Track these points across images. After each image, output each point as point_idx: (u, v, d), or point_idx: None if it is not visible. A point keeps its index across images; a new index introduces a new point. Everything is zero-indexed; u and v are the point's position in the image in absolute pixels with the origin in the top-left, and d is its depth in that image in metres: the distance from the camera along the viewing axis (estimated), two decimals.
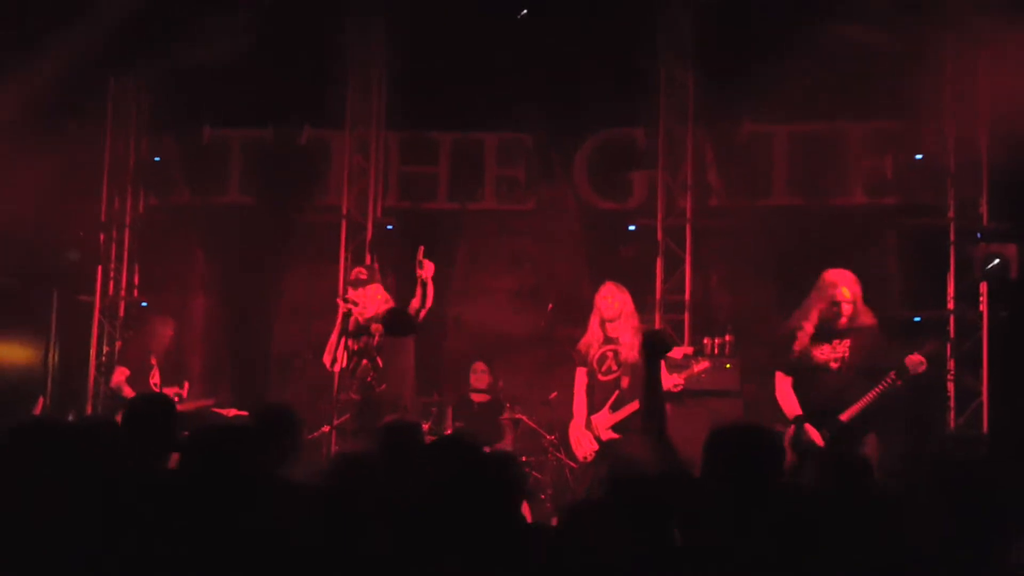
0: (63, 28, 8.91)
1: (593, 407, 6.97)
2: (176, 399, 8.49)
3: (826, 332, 6.26)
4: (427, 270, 6.82)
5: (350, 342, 7.11)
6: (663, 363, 7.01)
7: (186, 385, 8.61)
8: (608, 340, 7.03)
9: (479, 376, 9.01)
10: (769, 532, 2.94)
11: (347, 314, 7.06)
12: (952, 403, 8.66)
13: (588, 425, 6.97)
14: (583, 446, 6.99)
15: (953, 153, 8.89)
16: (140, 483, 3.17)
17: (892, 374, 6.12)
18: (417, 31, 9.48)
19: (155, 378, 8.35)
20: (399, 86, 10.01)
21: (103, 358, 10.16)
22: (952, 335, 8.75)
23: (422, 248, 6.87)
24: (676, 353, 7.42)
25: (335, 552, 2.93)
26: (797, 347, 6.25)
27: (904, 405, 6.39)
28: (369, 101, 10.14)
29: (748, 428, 3.31)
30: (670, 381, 6.89)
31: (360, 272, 7.43)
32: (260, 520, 3.01)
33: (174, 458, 3.63)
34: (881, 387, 6.12)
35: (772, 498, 3.11)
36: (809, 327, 6.24)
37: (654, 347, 4.14)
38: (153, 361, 8.41)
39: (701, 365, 7.18)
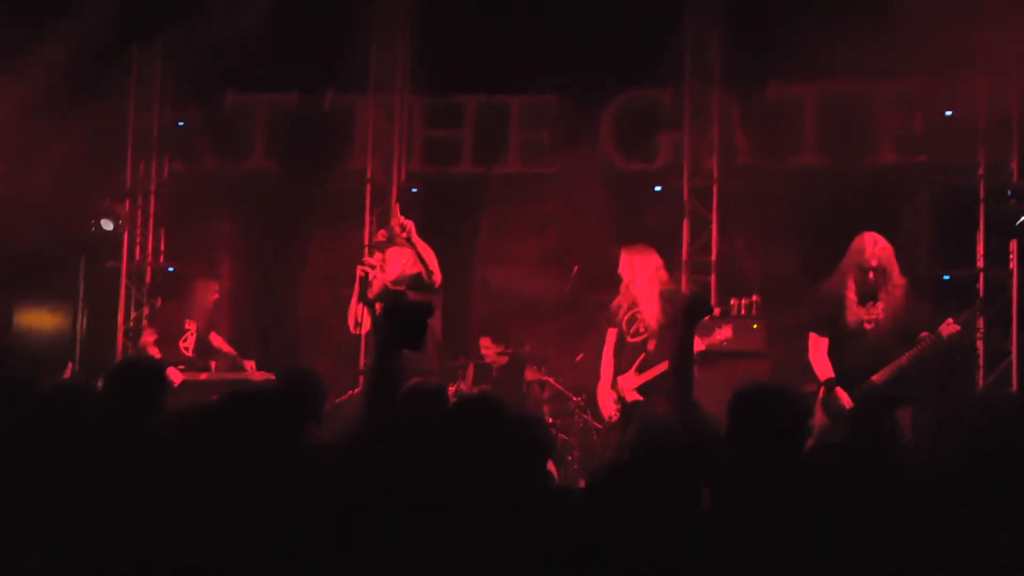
0: None
1: (620, 368, 6.95)
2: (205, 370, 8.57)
3: (861, 296, 6.22)
4: (405, 225, 6.81)
5: (377, 305, 7.09)
6: None
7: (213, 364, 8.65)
8: (635, 303, 7.00)
9: (487, 348, 9.03)
10: (794, 495, 2.91)
11: (364, 278, 7.04)
12: (982, 362, 8.60)
13: (614, 385, 6.96)
14: (608, 406, 6.99)
15: (984, 110, 8.77)
16: (161, 447, 3.17)
17: (926, 336, 6.10)
18: None
19: (188, 342, 8.30)
20: (423, 49, 9.95)
21: (131, 324, 10.23)
22: (981, 294, 8.67)
23: (397, 206, 6.84)
24: None
25: (358, 517, 2.93)
26: (849, 317, 6.21)
27: (936, 366, 6.34)
28: (393, 65, 10.09)
29: (772, 388, 3.26)
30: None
31: (381, 234, 7.42)
32: (283, 484, 3.01)
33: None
34: (915, 350, 6.11)
35: (797, 461, 3.07)
36: (851, 294, 6.22)
37: (693, 310, 4.09)
38: (188, 325, 8.32)
39: (724, 332, 7.14)
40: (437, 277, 7.05)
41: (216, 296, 8.59)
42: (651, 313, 6.90)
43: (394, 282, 7.12)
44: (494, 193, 9.98)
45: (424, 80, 10.03)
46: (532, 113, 10.03)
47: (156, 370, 3.99)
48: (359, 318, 7.05)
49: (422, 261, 6.98)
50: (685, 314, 4.08)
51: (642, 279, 6.97)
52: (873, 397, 6.07)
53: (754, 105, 9.45)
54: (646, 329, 6.93)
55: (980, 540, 2.77)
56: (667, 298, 7.00)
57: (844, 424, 6.01)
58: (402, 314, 3.54)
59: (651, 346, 6.90)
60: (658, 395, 6.43)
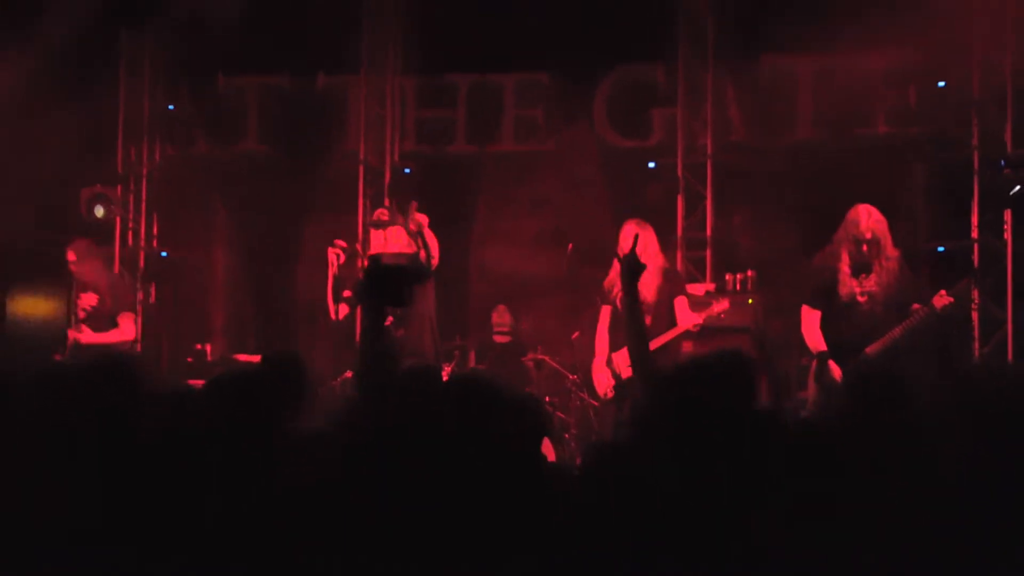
0: None
1: (615, 345, 6.94)
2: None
3: (855, 268, 6.22)
4: (420, 221, 6.76)
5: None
6: (685, 300, 7.04)
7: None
8: None
9: (501, 317, 9.04)
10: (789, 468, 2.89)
11: (340, 259, 6.99)
12: (977, 333, 8.61)
13: (609, 362, 6.96)
14: (603, 383, 6.99)
15: (978, 81, 8.74)
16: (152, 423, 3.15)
17: (919, 308, 6.10)
18: None
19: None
20: (414, 29, 9.91)
21: None
22: (976, 265, 8.66)
23: (414, 203, 6.81)
24: (697, 289, 7.38)
25: (348, 498, 2.91)
26: (842, 289, 6.21)
27: (930, 337, 6.35)
28: (385, 45, 10.05)
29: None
30: (690, 319, 6.87)
31: (382, 213, 7.39)
32: (269, 465, 3.00)
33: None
34: (908, 322, 6.11)
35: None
36: (845, 267, 6.21)
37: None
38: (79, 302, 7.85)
39: (721, 305, 7.14)
40: (435, 262, 7.04)
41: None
42: (648, 288, 6.89)
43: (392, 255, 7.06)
44: (488, 173, 9.96)
45: (416, 60, 9.99)
46: (525, 91, 10.00)
47: (130, 360, 3.96)
48: (337, 302, 7.00)
49: (426, 249, 6.94)
50: (622, 277, 4.05)
51: (646, 254, 6.96)
52: (868, 369, 6.06)
53: (748, 80, 9.42)
54: (642, 304, 6.91)
55: (982, 512, 2.77)
56: (665, 275, 7.00)
57: (838, 397, 6.01)
58: (380, 272, 3.49)
59: (648, 322, 6.89)
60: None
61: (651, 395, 3.45)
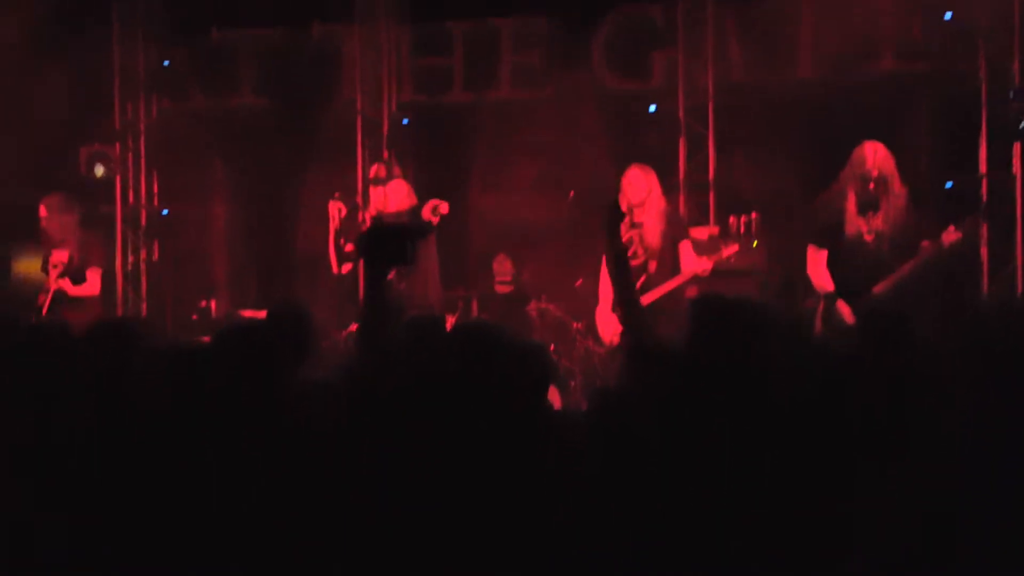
0: None
1: None
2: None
3: (861, 206, 6.16)
4: (438, 212, 6.73)
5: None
6: (689, 244, 6.99)
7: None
8: (634, 225, 6.93)
9: (502, 266, 9.00)
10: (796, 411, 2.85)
11: (342, 213, 6.96)
12: (985, 269, 8.55)
13: (614, 309, 6.90)
14: (609, 330, 6.96)
15: (984, 12, 8.60)
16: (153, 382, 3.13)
17: (927, 245, 6.05)
18: None
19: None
20: None
21: (129, 268, 10.21)
22: (984, 200, 8.58)
23: (435, 203, 6.75)
24: (700, 232, 7.33)
25: (355, 447, 2.89)
26: (849, 228, 6.15)
27: (938, 274, 6.30)
28: None
29: (732, 299, 3.13)
30: (698, 264, 6.83)
31: (379, 169, 7.34)
32: (276, 417, 2.98)
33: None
34: (916, 260, 6.07)
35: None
36: (851, 206, 6.15)
37: (611, 217, 4.02)
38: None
39: (730, 248, 7.09)
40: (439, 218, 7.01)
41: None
42: (652, 233, 6.85)
43: (387, 215, 7.03)
44: (487, 120, 9.86)
45: (410, 7, 9.87)
46: (522, 36, 9.86)
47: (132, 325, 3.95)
48: (345, 255, 6.98)
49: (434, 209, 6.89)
50: (604, 225, 3.99)
51: (650, 200, 6.92)
52: (875, 308, 6.03)
53: (749, 17, 9.27)
54: (645, 251, 6.87)
55: (993, 450, 2.73)
56: (668, 219, 6.96)
57: (848, 336, 5.97)
58: (382, 233, 3.45)
59: (652, 267, 6.86)
60: (662, 316, 6.37)
61: (638, 344, 3.41)
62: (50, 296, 7.50)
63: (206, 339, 3.78)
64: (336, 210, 6.94)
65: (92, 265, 7.73)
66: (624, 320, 3.82)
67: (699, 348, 2.96)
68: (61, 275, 7.55)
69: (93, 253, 7.84)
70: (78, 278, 7.61)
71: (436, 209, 6.93)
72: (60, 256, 7.62)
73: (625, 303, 3.81)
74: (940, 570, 2.34)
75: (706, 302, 3.14)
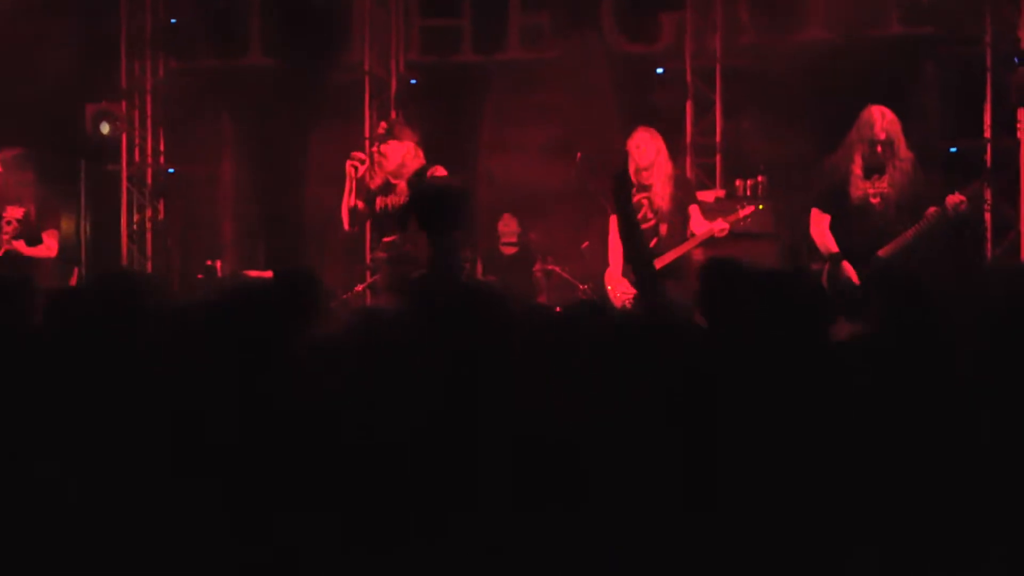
0: None
1: None
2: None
3: (867, 170, 6.17)
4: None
5: (378, 199, 7.04)
6: (698, 208, 6.99)
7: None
8: (642, 188, 6.92)
9: (507, 227, 9.02)
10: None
11: (358, 172, 6.95)
12: (989, 234, 8.57)
13: (625, 272, 6.92)
14: (620, 293, 6.97)
15: None
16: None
17: (932, 210, 6.06)
18: None
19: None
20: None
21: (134, 227, 10.23)
22: (989, 164, 8.59)
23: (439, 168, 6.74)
24: (707, 196, 7.33)
25: (358, 410, 2.92)
26: (854, 192, 6.16)
27: (943, 239, 6.31)
28: None
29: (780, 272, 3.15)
30: (714, 226, 6.79)
31: (383, 125, 7.34)
32: (282, 380, 3.00)
33: None
34: (921, 224, 6.08)
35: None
36: (857, 169, 6.16)
37: (621, 187, 4.02)
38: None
39: (747, 209, 7.06)
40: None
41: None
42: (662, 197, 6.84)
43: (393, 174, 7.04)
44: (495, 81, 9.85)
45: None
46: None
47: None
48: (356, 214, 6.99)
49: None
50: (614, 195, 3.99)
51: (657, 163, 6.89)
52: (881, 271, 6.05)
53: None
54: (654, 214, 6.86)
55: (1001, 413, 2.77)
56: (677, 183, 6.95)
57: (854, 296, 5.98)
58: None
59: (663, 230, 6.85)
60: (675, 280, 6.35)
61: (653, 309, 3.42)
62: (6, 252, 7.31)
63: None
64: (352, 169, 6.93)
65: (49, 227, 7.54)
66: (639, 285, 3.83)
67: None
68: (15, 235, 7.40)
69: (51, 214, 7.64)
70: (33, 239, 7.43)
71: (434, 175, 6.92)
72: (14, 213, 7.41)
73: (639, 268, 3.82)
74: None
75: (719, 266, 3.16)
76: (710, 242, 6.89)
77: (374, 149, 7.10)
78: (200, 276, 9.52)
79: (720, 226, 6.79)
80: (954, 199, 6.05)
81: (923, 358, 2.84)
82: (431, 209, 3.39)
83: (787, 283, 3.10)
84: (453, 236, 3.43)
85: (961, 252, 7.68)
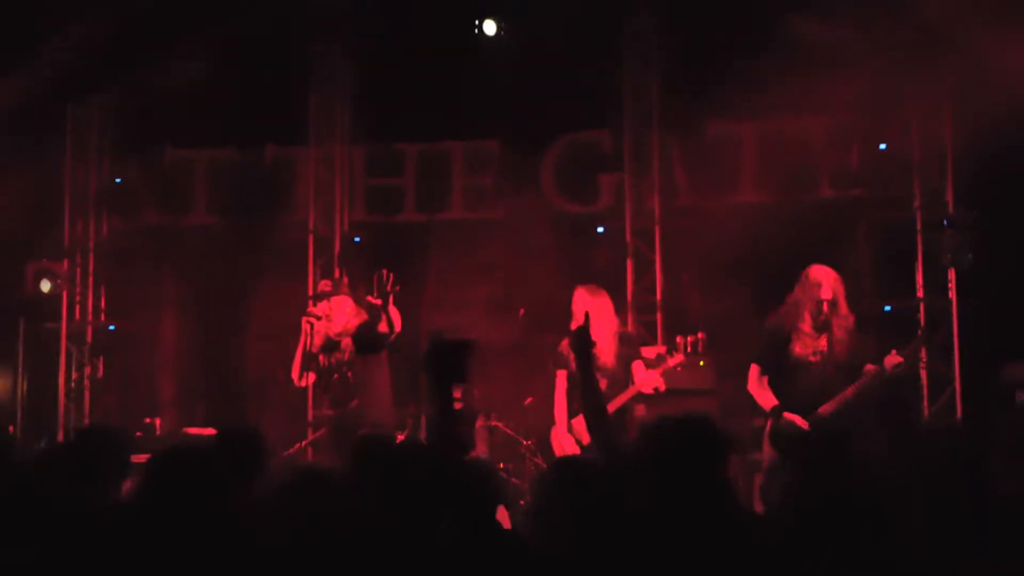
0: (18, 56, 8.82)
1: (573, 411, 6.90)
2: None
3: (816, 329, 6.25)
4: (383, 298, 6.77)
5: (321, 357, 7.06)
6: (642, 363, 7.03)
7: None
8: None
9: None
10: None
11: (312, 329, 7.02)
12: (925, 391, 8.69)
13: (570, 429, 6.91)
14: (565, 449, 6.93)
15: (917, 143, 8.92)
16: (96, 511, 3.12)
17: (870, 368, 6.13)
18: (378, 42, 9.46)
19: None
20: (362, 99, 9.97)
21: (72, 385, 10.07)
22: (923, 324, 8.77)
23: (385, 272, 6.82)
24: (649, 352, 7.38)
25: (298, 567, 2.88)
26: (798, 349, 6.22)
27: (880, 398, 6.38)
28: (332, 115, 10.09)
29: (685, 418, 3.18)
30: (650, 380, 6.82)
31: (325, 284, 7.41)
32: (222, 538, 2.96)
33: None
34: (860, 383, 6.13)
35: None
36: (806, 327, 6.23)
37: (582, 345, 4.09)
38: None
39: (675, 359, 7.11)
40: (396, 331, 7.02)
41: None
42: (607, 354, 6.87)
43: (339, 333, 7.08)
44: (438, 240, 9.97)
45: (364, 129, 10.04)
46: (474, 159, 10.06)
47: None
48: (303, 370, 7.03)
49: (390, 321, 6.92)
50: (575, 353, 4.06)
51: (600, 320, 6.93)
52: (820, 429, 6.09)
53: (693, 145, 9.55)
54: (599, 370, 6.88)
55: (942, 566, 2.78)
56: (621, 339, 6.98)
57: (797, 457, 6.01)
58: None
59: (603, 385, 6.85)
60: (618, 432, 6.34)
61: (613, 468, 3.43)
62: None
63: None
64: (308, 325, 6.99)
65: None
66: (596, 435, 3.84)
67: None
68: None
69: None
70: None
71: (374, 308, 6.93)
72: None
73: (598, 430, 3.84)
74: None
75: (661, 425, 3.18)
76: (651, 398, 6.91)
77: (317, 309, 7.15)
78: (139, 434, 9.36)
79: (654, 382, 6.78)
80: (892, 360, 6.12)
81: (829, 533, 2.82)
82: (440, 361, 3.43)
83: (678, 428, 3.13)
84: (453, 385, 3.48)
85: (898, 409, 7.77)
